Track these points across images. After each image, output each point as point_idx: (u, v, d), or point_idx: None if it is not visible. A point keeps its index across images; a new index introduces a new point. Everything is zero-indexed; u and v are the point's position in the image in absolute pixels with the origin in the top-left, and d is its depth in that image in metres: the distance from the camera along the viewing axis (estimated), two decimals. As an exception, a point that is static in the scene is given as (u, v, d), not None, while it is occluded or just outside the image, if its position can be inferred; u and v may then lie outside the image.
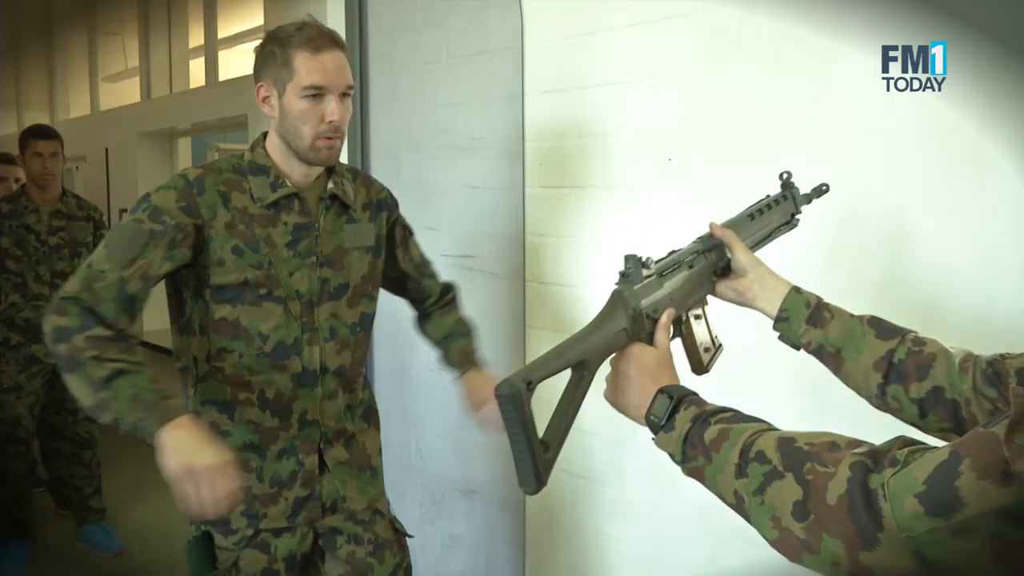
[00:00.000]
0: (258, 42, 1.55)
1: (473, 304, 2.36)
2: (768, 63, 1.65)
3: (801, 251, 1.62)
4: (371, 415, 1.73)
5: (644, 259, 1.08)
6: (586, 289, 2.06)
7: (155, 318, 4.75)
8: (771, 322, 1.18)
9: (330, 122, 1.45)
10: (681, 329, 1.15)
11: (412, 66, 2.55)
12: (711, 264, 1.19)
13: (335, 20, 2.70)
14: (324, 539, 1.61)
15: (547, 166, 2.13)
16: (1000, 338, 1.38)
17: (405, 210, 2.62)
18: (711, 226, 1.23)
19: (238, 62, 4.21)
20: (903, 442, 0.73)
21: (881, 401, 1.05)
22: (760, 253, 1.28)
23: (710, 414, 0.91)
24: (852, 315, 1.10)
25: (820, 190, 1.41)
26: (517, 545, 2.31)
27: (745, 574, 1.76)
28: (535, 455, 0.92)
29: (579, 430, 2.07)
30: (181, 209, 1.44)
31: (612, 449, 2.03)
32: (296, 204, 1.52)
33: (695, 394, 0.96)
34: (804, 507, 0.75)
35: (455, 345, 1.76)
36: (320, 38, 1.45)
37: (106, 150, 5.06)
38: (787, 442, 0.80)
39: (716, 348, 1.20)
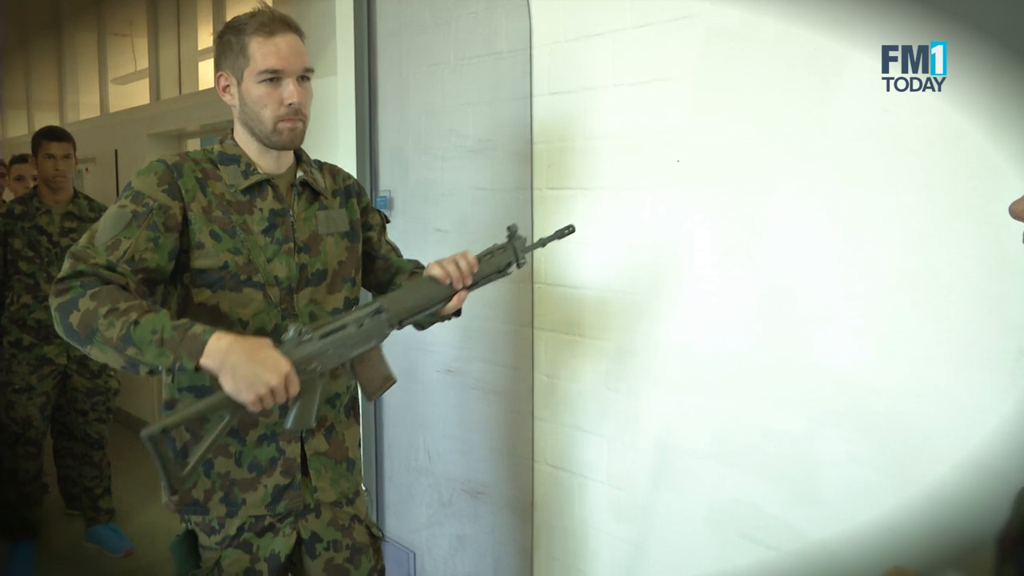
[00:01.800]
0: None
1: (481, 306, 2.36)
2: (775, 64, 1.65)
3: (810, 254, 1.62)
4: (353, 407, 1.71)
5: (303, 330, 1.39)
6: (594, 291, 2.06)
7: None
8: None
9: (289, 104, 1.48)
10: (353, 370, 1.49)
11: (420, 68, 2.55)
12: (385, 322, 1.48)
13: (343, 21, 2.71)
14: (306, 544, 1.61)
15: (555, 168, 2.14)
16: (1011, 340, 1.37)
17: (413, 211, 2.64)
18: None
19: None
20: None
21: None
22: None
23: None
24: None
25: (563, 233, 1.61)
26: (524, 547, 2.31)
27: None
28: (172, 476, 1.36)
29: (587, 431, 2.09)
30: (164, 191, 1.45)
31: (620, 450, 2.03)
32: (269, 191, 1.54)
33: None
34: None
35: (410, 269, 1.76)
36: (272, 22, 1.47)
37: (115, 151, 5.08)
38: None
39: (385, 383, 1.53)
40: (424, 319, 1.60)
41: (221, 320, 1.48)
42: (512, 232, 1.56)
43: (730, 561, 1.80)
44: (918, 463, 1.48)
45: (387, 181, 2.73)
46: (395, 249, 1.80)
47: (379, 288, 1.76)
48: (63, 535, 3.59)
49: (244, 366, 1.29)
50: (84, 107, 6.02)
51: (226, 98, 1.54)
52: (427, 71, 2.53)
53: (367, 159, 2.74)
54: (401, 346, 2.61)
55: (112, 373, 3.46)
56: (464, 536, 2.52)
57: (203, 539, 1.56)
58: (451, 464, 2.56)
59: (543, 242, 1.61)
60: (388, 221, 1.81)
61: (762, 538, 1.73)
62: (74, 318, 1.30)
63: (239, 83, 1.50)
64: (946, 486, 1.45)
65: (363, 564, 1.66)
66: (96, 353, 1.31)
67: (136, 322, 1.28)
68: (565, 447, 2.17)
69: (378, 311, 1.47)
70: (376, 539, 1.72)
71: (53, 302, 1.34)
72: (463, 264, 1.51)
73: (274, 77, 1.47)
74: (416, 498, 2.68)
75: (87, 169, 5.41)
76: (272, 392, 1.30)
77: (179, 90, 4.77)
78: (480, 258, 1.55)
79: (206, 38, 4.47)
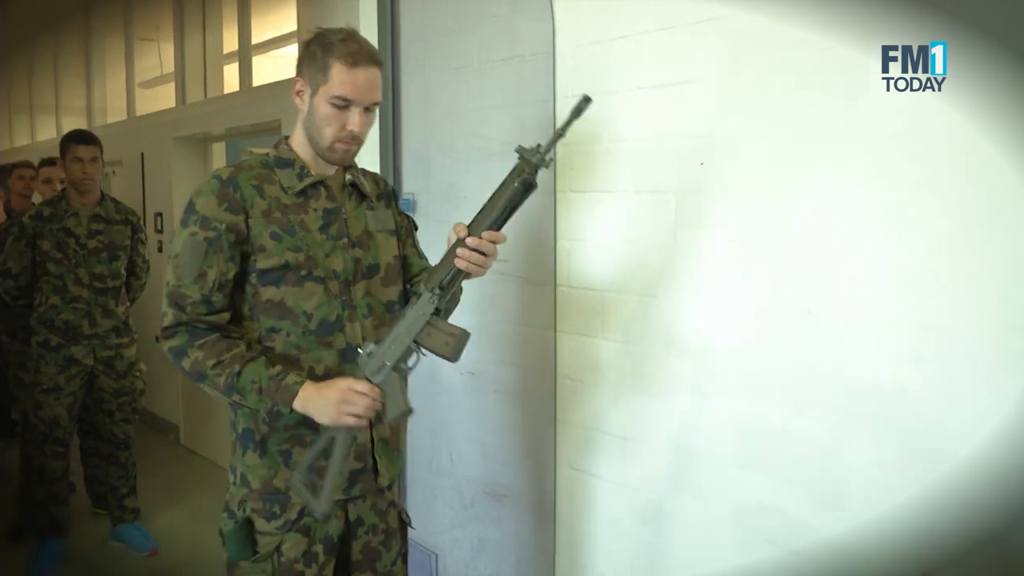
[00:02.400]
0: (293, 46, 1.62)
1: (504, 309, 2.36)
2: (799, 66, 1.64)
3: (833, 257, 1.61)
4: None
5: (365, 347, 1.55)
6: (616, 294, 2.05)
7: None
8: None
9: (350, 131, 1.57)
10: (422, 348, 1.58)
11: (444, 71, 2.56)
12: (425, 297, 1.56)
13: (367, 24, 2.73)
14: (351, 526, 1.68)
15: (578, 170, 2.13)
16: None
17: (436, 213, 2.65)
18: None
19: (271, 68, 4.26)
20: None
21: None
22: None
23: None
24: None
25: (579, 108, 1.51)
26: (546, 549, 2.31)
27: (778, 582, 1.74)
28: (312, 506, 1.54)
29: (609, 434, 2.08)
30: (225, 210, 1.55)
31: (642, 454, 2.02)
32: (322, 191, 1.64)
33: None
34: None
35: None
36: (359, 55, 1.55)
37: (141, 155, 5.13)
38: None
39: (457, 341, 1.56)
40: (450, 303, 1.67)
41: (287, 314, 1.58)
42: (519, 150, 1.53)
43: (752, 565, 1.78)
44: (941, 467, 1.47)
45: (410, 183, 2.74)
46: (421, 252, 1.86)
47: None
48: (89, 534, 3.63)
49: (317, 400, 1.51)
50: (111, 111, 6.09)
51: (296, 101, 1.62)
52: (451, 74, 2.53)
53: (391, 161, 2.76)
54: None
55: (138, 374, 3.50)
56: (486, 538, 2.52)
57: (262, 525, 1.61)
58: (473, 466, 2.56)
59: (561, 131, 1.54)
60: (416, 228, 1.87)
61: (784, 542, 1.72)
62: (185, 363, 1.53)
63: (312, 95, 1.58)
64: (970, 489, 1.43)
65: (393, 547, 1.76)
66: (206, 389, 1.55)
67: (239, 373, 1.50)
68: (587, 450, 2.17)
69: (413, 293, 1.58)
70: (404, 525, 1.81)
71: (164, 344, 1.56)
72: (465, 236, 1.55)
73: (344, 104, 1.55)
74: (438, 500, 2.69)
75: (114, 172, 5.47)
76: (350, 404, 1.50)
77: (204, 94, 4.81)
78: (493, 194, 1.55)
79: (231, 42, 4.51)
